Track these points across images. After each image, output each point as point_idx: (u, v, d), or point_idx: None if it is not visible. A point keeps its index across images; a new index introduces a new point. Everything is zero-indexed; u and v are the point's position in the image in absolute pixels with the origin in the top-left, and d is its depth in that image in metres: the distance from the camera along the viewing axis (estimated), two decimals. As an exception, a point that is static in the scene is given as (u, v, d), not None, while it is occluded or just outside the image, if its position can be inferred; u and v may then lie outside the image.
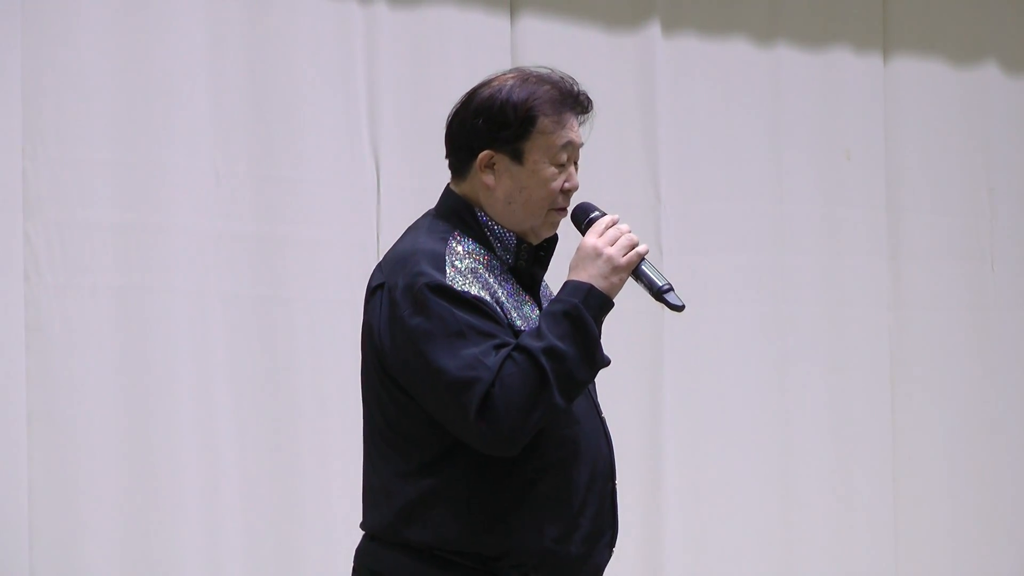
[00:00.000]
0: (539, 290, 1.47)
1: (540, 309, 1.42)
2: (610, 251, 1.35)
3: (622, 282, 1.37)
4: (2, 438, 2.35)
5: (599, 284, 1.35)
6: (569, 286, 1.35)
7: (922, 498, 3.45)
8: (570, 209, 1.44)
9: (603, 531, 1.42)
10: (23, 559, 2.36)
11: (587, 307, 1.33)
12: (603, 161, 2.96)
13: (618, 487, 1.45)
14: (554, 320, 1.33)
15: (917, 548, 3.44)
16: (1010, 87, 3.58)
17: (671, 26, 3.12)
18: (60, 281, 2.41)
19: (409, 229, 1.45)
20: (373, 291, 1.39)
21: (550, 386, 1.29)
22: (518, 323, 1.37)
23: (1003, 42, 3.59)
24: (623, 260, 1.36)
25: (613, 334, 1.71)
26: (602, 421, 1.43)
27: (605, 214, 1.42)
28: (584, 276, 1.35)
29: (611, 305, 1.36)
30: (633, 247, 1.37)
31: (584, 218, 1.44)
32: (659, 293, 1.39)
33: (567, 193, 1.43)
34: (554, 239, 1.47)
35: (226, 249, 2.60)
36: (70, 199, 2.43)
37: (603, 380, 1.43)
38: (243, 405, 2.61)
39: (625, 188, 3.03)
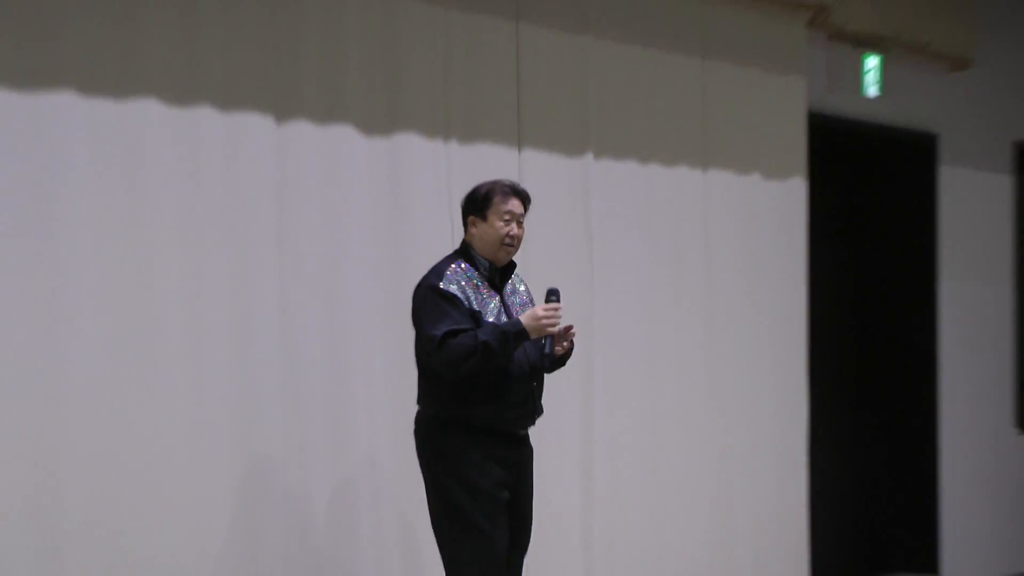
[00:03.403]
0: (503, 288, 2.86)
1: (502, 301, 2.81)
2: (540, 317, 2.72)
3: (537, 334, 2.74)
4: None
5: (528, 327, 2.71)
6: (516, 319, 2.73)
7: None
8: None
9: (529, 410, 2.84)
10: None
11: (515, 334, 2.69)
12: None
13: (540, 386, 2.93)
14: (497, 330, 2.67)
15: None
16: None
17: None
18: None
19: (443, 258, 2.87)
20: (418, 286, 2.80)
21: (476, 357, 2.63)
22: (475, 307, 2.74)
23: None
24: (539, 325, 2.72)
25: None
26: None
27: (559, 300, 2.77)
28: (525, 320, 2.72)
29: (527, 337, 2.71)
30: (551, 325, 2.73)
31: (548, 295, 2.78)
32: (542, 348, 2.79)
33: (512, 237, 2.79)
34: (512, 264, 2.88)
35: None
36: None
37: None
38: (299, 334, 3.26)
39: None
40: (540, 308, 2.73)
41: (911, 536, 5.37)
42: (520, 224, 2.79)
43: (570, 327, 2.83)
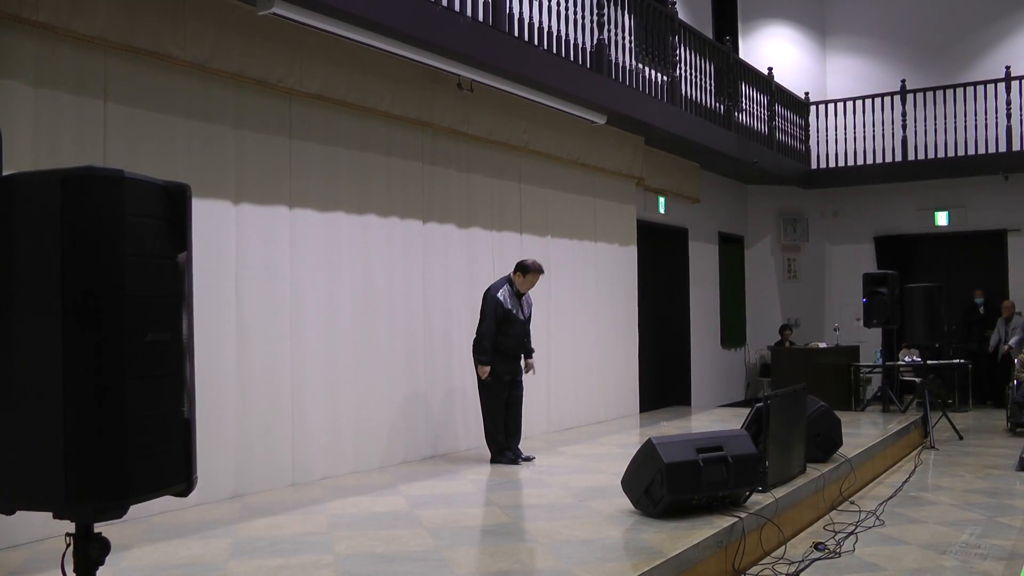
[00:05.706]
0: (523, 299, 7.59)
1: (520, 304, 7.46)
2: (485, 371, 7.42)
3: (483, 370, 7.40)
4: None
5: (481, 363, 7.37)
6: (501, 358, 7.41)
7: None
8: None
9: (522, 347, 7.62)
10: None
11: (482, 357, 7.35)
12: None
13: (530, 339, 7.77)
14: (484, 352, 7.35)
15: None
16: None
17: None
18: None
19: (501, 278, 7.69)
20: (486, 291, 7.51)
21: (485, 345, 7.37)
22: (512, 310, 7.41)
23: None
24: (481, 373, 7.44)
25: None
26: (526, 323, 7.65)
27: (530, 372, 7.81)
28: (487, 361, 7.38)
29: (485, 364, 7.36)
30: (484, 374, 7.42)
31: (528, 368, 7.76)
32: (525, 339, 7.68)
33: (527, 289, 7.61)
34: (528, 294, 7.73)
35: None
36: None
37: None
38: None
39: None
40: (529, 371, 7.56)
41: (677, 382, 12.51)
42: (533, 285, 7.37)
43: (532, 370, 7.58)
